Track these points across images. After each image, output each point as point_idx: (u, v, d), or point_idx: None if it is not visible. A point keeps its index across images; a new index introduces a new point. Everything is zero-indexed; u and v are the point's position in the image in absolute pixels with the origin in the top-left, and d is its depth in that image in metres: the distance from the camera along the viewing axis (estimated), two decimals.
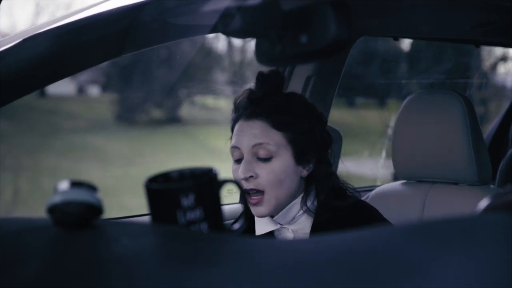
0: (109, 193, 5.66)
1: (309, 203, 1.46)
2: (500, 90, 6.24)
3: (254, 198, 1.44)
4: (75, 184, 0.78)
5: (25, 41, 1.24)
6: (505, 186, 2.65)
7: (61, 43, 1.31)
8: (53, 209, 0.75)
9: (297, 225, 1.48)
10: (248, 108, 1.45)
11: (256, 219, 1.52)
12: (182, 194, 0.81)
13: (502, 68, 6.49)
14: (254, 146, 1.43)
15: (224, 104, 8.28)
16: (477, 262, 0.54)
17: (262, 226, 1.51)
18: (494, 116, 3.79)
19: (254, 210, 1.45)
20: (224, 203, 0.88)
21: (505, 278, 0.52)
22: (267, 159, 1.43)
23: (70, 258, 0.68)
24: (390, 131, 2.56)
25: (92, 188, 0.78)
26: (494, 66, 6.56)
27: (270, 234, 1.51)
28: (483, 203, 0.73)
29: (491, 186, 1.93)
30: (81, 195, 0.75)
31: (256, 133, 1.43)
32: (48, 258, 0.69)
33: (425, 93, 2.03)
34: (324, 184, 1.47)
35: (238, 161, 1.46)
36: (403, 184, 1.98)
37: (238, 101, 1.49)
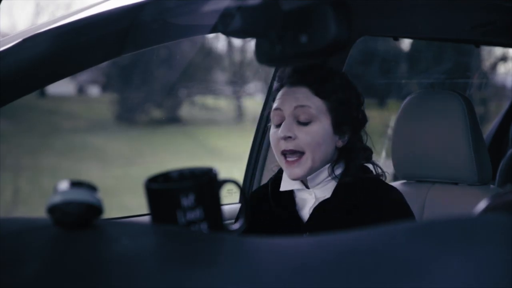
0: (109, 193, 5.67)
1: (337, 172, 1.53)
2: (500, 90, 6.24)
3: (291, 159, 1.50)
4: (75, 184, 0.78)
5: (25, 41, 1.24)
6: (505, 186, 2.65)
7: (61, 43, 1.31)
8: (53, 209, 0.75)
9: (322, 191, 1.54)
10: (293, 76, 1.53)
11: (284, 176, 1.58)
12: (182, 194, 0.81)
13: (502, 68, 6.49)
14: (296, 107, 1.50)
15: (224, 104, 8.29)
16: (477, 262, 0.54)
17: (288, 184, 1.57)
18: (494, 116, 3.79)
19: (289, 171, 1.51)
20: (224, 203, 0.88)
21: (505, 278, 0.52)
22: (306, 123, 1.50)
23: (70, 258, 0.68)
24: (390, 131, 2.56)
25: (92, 188, 0.78)
26: (494, 66, 6.57)
27: (291, 195, 1.58)
28: (483, 203, 0.73)
29: (491, 186, 1.93)
30: (81, 195, 0.75)
31: (299, 97, 1.51)
32: (48, 258, 0.69)
33: (425, 93, 2.03)
34: (356, 157, 1.54)
35: (278, 126, 1.53)
36: (403, 184, 1.98)
37: (281, 73, 1.57)
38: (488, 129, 3.25)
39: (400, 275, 0.54)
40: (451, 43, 3.22)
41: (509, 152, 2.77)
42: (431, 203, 1.89)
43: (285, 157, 1.51)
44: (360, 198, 1.50)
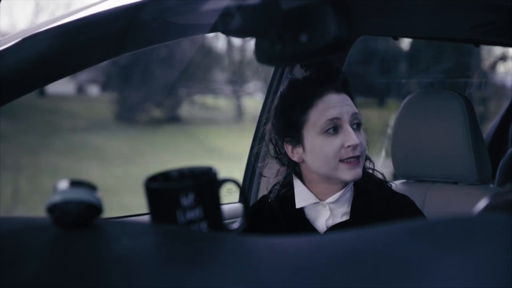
0: (109, 192, 5.66)
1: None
2: (500, 89, 6.24)
3: (352, 161, 1.51)
4: (75, 183, 0.78)
5: (24, 40, 1.24)
6: (504, 186, 2.65)
7: (61, 42, 1.31)
8: (52, 209, 0.75)
9: (337, 203, 1.55)
10: (335, 82, 1.54)
11: (296, 191, 1.58)
12: (182, 193, 0.81)
13: (501, 68, 6.49)
14: (353, 114, 1.52)
15: (223, 104, 8.28)
16: (477, 261, 0.54)
17: (303, 200, 1.57)
18: (493, 116, 3.79)
19: (353, 172, 1.51)
20: (223, 202, 0.87)
21: (505, 278, 0.52)
22: (359, 128, 1.54)
23: (70, 257, 0.68)
24: (389, 131, 2.56)
25: (91, 187, 0.78)
26: (493, 66, 6.57)
27: (301, 213, 1.57)
28: (483, 202, 0.73)
29: (491, 185, 1.93)
30: (80, 195, 0.75)
31: (351, 103, 1.54)
32: (48, 257, 0.69)
33: (424, 92, 2.03)
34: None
35: (329, 133, 1.51)
36: (402, 183, 1.98)
37: (313, 78, 1.56)
38: (488, 128, 3.25)
39: (400, 275, 0.54)
40: (451, 42, 3.22)
41: (508, 152, 2.77)
42: (431, 203, 1.89)
43: (344, 162, 1.50)
44: (378, 215, 1.52)
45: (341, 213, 1.55)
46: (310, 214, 1.57)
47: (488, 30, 2.01)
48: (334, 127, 1.50)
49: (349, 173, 1.51)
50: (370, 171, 1.60)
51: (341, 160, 1.50)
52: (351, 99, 1.55)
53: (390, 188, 1.60)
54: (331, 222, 1.55)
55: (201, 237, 0.75)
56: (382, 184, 1.60)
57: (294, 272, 0.58)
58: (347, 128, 1.50)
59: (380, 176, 1.61)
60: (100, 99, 9.43)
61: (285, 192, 1.61)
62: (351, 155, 1.49)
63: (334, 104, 1.52)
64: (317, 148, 1.51)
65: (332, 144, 1.50)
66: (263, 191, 2.21)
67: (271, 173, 1.69)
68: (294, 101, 1.55)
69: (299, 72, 2.15)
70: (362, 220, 1.52)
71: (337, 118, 1.50)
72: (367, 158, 1.60)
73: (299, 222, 1.57)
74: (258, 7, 0.86)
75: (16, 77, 1.25)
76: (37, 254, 0.69)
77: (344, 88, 1.55)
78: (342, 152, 1.49)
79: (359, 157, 1.51)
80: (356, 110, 1.53)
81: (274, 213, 1.60)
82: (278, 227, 1.58)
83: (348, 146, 1.48)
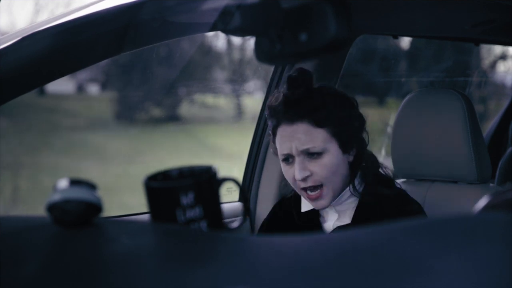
0: (109, 191, 5.66)
1: (357, 184, 1.56)
2: (500, 88, 6.23)
3: (312, 194, 1.52)
4: (75, 182, 0.77)
5: (24, 39, 1.24)
6: (504, 185, 2.65)
7: (60, 41, 1.31)
8: (52, 208, 0.75)
9: (343, 206, 1.56)
10: (288, 112, 1.50)
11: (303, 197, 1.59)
12: (182, 192, 0.81)
13: (501, 67, 6.49)
14: (302, 150, 1.50)
15: (223, 103, 8.28)
16: (477, 260, 0.54)
17: (307, 204, 1.59)
18: (493, 115, 3.79)
19: (314, 204, 1.54)
20: (223, 201, 0.87)
21: (504, 276, 0.52)
22: (318, 155, 1.50)
23: (70, 256, 0.68)
24: (389, 130, 2.56)
25: (91, 186, 0.78)
26: (493, 65, 6.56)
27: (315, 212, 1.59)
28: (483, 201, 0.73)
29: (491, 184, 1.93)
30: (80, 193, 0.75)
31: (301, 137, 1.49)
32: (48, 256, 0.69)
33: (424, 91, 2.03)
34: (369, 166, 1.57)
35: (287, 161, 1.53)
36: (402, 182, 1.98)
37: (273, 106, 1.54)
38: (488, 127, 3.25)
39: (400, 274, 0.54)
40: (451, 41, 3.22)
41: (508, 151, 2.77)
42: (431, 202, 1.89)
43: (306, 192, 1.52)
44: (382, 217, 1.52)
45: (349, 216, 1.56)
46: (322, 215, 1.60)
47: (488, 29, 2.01)
48: (287, 158, 1.52)
49: (313, 204, 1.54)
50: (380, 170, 1.61)
51: (303, 190, 1.52)
52: (316, 124, 1.49)
53: (396, 188, 1.61)
54: (338, 224, 1.56)
55: (201, 236, 0.75)
56: (389, 184, 1.60)
57: (294, 271, 0.58)
58: (297, 159, 1.50)
59: (389, 172, 1.62)
60: (100, 98, 9.42)
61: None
62: (302, 186, 1.51)
63: (284, 140, 1.52)
64: (285, 175, 1.56)
65: (288, 173, 1.54)
66: (263, 190, 2.21)
67: None
68: (271, 128, 1.57)
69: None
70: (364, 222, 1.52)
71: (288, 154, 1.52)
72: (372, 158, 1.60)
73: (310, 221, 1.59)
74: (258, 6, 0.85)
75: (16, 76, 1.25)
76: (37, 253, 0.69)
77: (301, 116, 1.49)
78: (298, 182, 1.52)
79: (318, 187, 1.51)
80: (307, 145, 1.48)
81: (288, 212, 1.64)
82: (291, 226, 1.60)
83: (298, 179, 1.50)
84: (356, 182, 1.56)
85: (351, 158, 1.56)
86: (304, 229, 1.58)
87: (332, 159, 1.50)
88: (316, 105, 1.50)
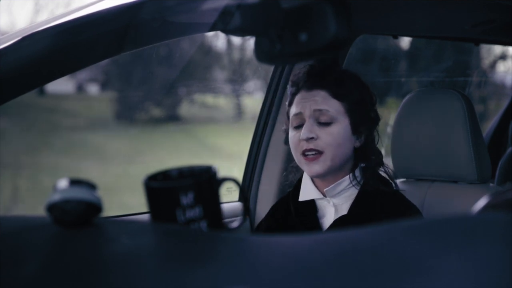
0: (109, 191, 5.66)
1: (357, 176, 1.57)
2: (500, 88, 6.23)
3: (311, 156, 1.53)
4: (75, 182, 0.77)
5: (24, 39, 1.24)
6: (504, 185, 2.65)
7: (60, 41, 1.31)
8: (52, 208, 0.75)
9: (340, 199, 1.57)
10: (309, 80, 1.57)
11: (302, 185, 1.62)
12: (182, 192, 0.81)
13: (501, 66, 6.49)
14: (315, 110, 1.54)
15: (223, 102, 8.29)
16: (477, 260, 0.54)
17: (306, 193, 1.61)
18: (493, 114, 3.79)
19: (309, 168, 1.55)
20: (223, 201, 0.87)
21: (504, 276, 0.52)
22: (327, 124, 1.54)
23: (69, 256, 0.68)
24: (389, 130, 2.56)
25: (91, 186, 0.78)
26: (493, 64, 6.57)
27: (312, 202, 1.60)
28: (482, 201, 0.73)
29: (491, 184, 1.93)
30: (80, 193, 0.75)
31: (318, 100, 1.54)
32: (47, 256, 0.69)
33: (424, 91, 2.03)
34: (372, 158, 1.59)
35: (297, 127, 1.56)
36: (402, 182, 1.98)
37: (296, 77, 1.60)
38: (488, 127, 3.25)
39: (400, 274, 0.54)
40: (451, 41, 3.22)
41: (508, 150, 2.77)
42: (431, 202, 1.89)
43: (304, 156, 1.54)
44: (379, 215, 1.53)
45: (345, 209, 1.57)
46: (319, 208, 1.61)
47: (488, 29, 2.01)
48: (299, 122, 1.56)
49: (307, 168, 1.55)
50: (381, 168, 1.62)
51: (302, 154, 1.54)
52: (334, 95, 1.54)
53: (392, 186, 1.62)
54: (337, 216, 1.57)
55: (201, 236, 0.75)
56: (387, 183, 1.61)
57: (294, 271, 0.58)
58: (307, 122, 1.54)
59: (390, 173, 1.63)
60: (100, 98, 9.43)
61: (297, 182, 1.65)
62: (305, 147, 1.53)
63: (300, 101, 1.57)
64: (290, 141, 1.58)
65: (295, 137, 1.56)
66: (263, 190, 2.21)
67: None
68: (290, 95, 1.62)
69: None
70: (359, 216, 1.53)
71: (300, 113, 1.56)
72: (379, 155, 1.61)
73: (307, 217, 1.60)
74: (258, 6, 0.85)
75: (16, 76, 1.25)
76: (37, 253, 0.69)
77: (321, 85, 1.55)
78: (301, 144, 1.54)
79: (318, 152, 1.53)
80: (323, 107, 1.53)
81: (286, 210, 1.64)
82: (288, 224, 1.61)
83: (304, 139, 1.53)
84: (357, 173, 1.57)
85: (358, 144, 1.58)
86: (301, 225, 1.58)
87: (340, 131, 1.53)
88: (338, 78, 1.56)
